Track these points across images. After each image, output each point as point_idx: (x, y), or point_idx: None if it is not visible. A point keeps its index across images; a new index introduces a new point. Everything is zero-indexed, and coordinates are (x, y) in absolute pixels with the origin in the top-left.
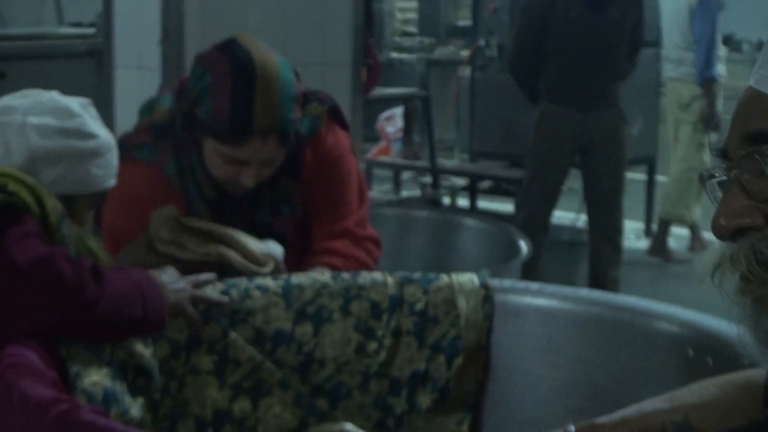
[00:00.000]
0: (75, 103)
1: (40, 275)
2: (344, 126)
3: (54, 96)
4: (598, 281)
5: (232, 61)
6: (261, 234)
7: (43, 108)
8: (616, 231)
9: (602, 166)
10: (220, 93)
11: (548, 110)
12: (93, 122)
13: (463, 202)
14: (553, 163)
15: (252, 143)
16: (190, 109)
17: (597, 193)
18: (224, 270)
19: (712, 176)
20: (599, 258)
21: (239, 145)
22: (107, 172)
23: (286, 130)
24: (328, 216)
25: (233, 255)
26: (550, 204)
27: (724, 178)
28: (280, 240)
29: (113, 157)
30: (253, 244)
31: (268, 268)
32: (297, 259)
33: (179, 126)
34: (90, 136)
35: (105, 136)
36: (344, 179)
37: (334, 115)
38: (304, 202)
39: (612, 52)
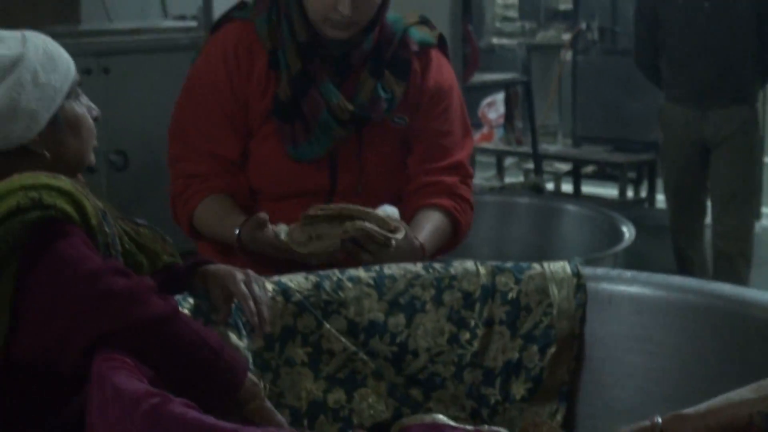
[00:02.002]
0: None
1: (91, 288)
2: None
3: None
4: None
5: None
6: (357, 124)
7: None
8: (742, 240)
9: (724, 168)
10: None
11: (665, 109)
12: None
13: (566, 187)
14: (677, 166)
15: None
16: None
17: (719, 198)
18: (362, 243)
19: None
20: (723, 269)
21: None
22: (56, 75)
23: None
24: (435, 147)
25: (370, 226)
26: (694, 213)
27: None
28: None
29: (22, 75)
30: (379, 212)
31: (400, 234)
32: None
33: None
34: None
35: (22, 48)
36: (452, 111)
37: (443, 48)
38: (407, 129)
39: (730, 42)
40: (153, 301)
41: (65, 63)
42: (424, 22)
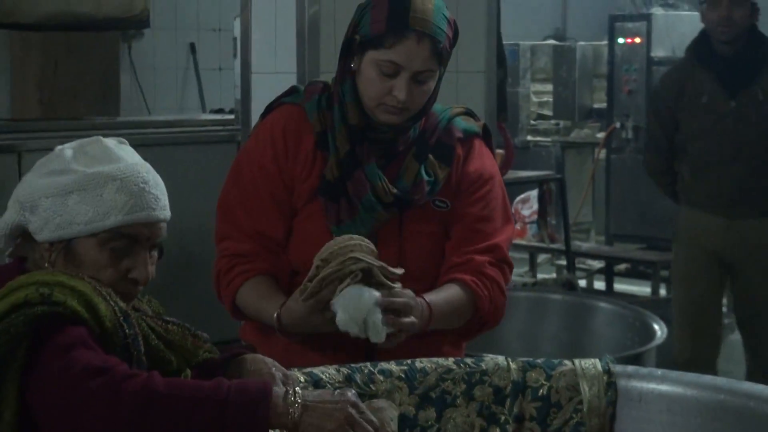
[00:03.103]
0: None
1: (89, 386)
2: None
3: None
4: None
5: None
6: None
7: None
8: None
9: (755, 286)
10: (379, 3)
11: (686, 216)
12: (83, 158)
13: (599, 284)
14: (693, 280)
15: (407, 43)
16: (350, 36)
17: (750, 321)
18: (367, 280)
19: None
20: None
21: (395, 45)
22: (98, 207)
23: (438, 38)
24: (473, 231)
25: (374, 264)
26: (709, 341)
27: None
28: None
29: (105, 191)
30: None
31: (398, 285)
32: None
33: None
34: (69, 171)
35: (91, 170)
36: (493, 199)
37: (487, 138)
38: (448, 213)
39: (761, 145)
40: (128, 387)
41: (105, 204)
42: (469, 113)
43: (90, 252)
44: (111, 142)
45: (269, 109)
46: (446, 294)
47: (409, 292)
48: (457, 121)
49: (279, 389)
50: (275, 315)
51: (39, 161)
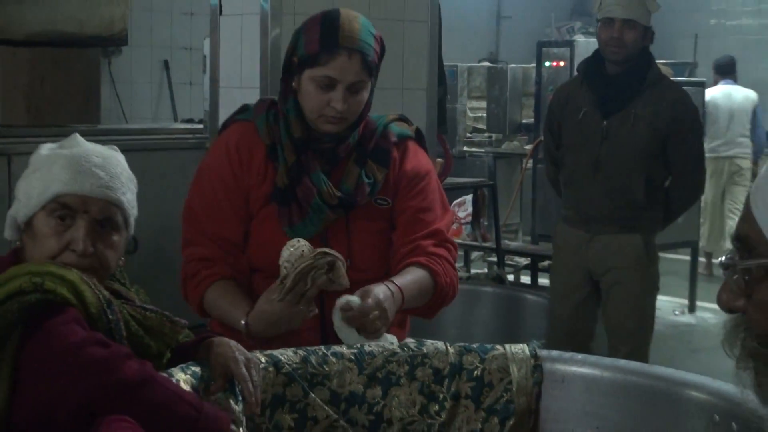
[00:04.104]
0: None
1: (74, 358)
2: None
3: None
4: None
5: (321, 13)
6: (345, 207)
7: None
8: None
9: (613, 304)
10: (311, 27)
11: (559, 229)
12: (52, 147)
13: (525, 278)
14: (565, 292)
15: (339, 59)
16: (289, 58)
17: (614, 333)
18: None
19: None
20: None
21: (329, 62)
22: (46, 181)
23: (367, 53)
24: (415, 221)
25: (338, 257)
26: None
27: (722, 262)
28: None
29: (54, 167)
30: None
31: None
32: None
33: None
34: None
35: (50, 153)
36: (430, 192)
37: (420, 139)
38: (390, 209)
39: (624, 165)
40: (128, 366)
41: (49, 179)
42: (403, 119)
43: (40, 224)
44: (87, 141)
45: (224, 126)
46: (411, 276)
47: (376, 292)
48: (392, 126)
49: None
50: (243, 322)
51: None
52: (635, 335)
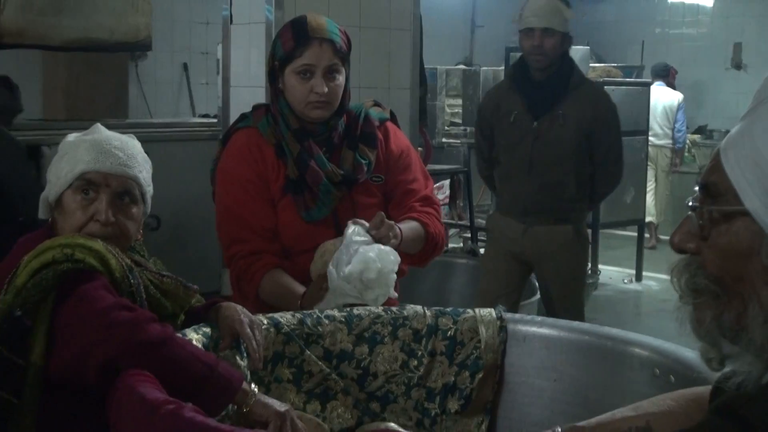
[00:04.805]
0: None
1: (102, 320)
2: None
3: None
4: None
5: (290, 20)
6: (347, 185)
7: None
8: None
9: (549, 285)
10: (285, 32)
11: (494, 218)
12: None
13: None
14: (497, 276)
15: (313, 48)
16: (271, 65)
17: (548, 313)
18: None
19: (689, 201)
20: None
21: (304, 52)
22: (72, 163)
23: (335, 41)
24: (405, 192)
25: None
26: None
27: (690, 204)
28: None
29: (79, 150)
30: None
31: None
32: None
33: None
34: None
35: (75, 139)
36: (413, 165)
37: (395, 120)
38: (384, 185)
39: (554, 163)
40: (151, 328)
41: (74, 161)
42: (377, 104)
43: (68, 200)
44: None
45: (228, 135)
46: (406, 224)
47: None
48: (371, 112)
49: (246, 384)
50: (299, 304)
51: None
52: (569, 311)
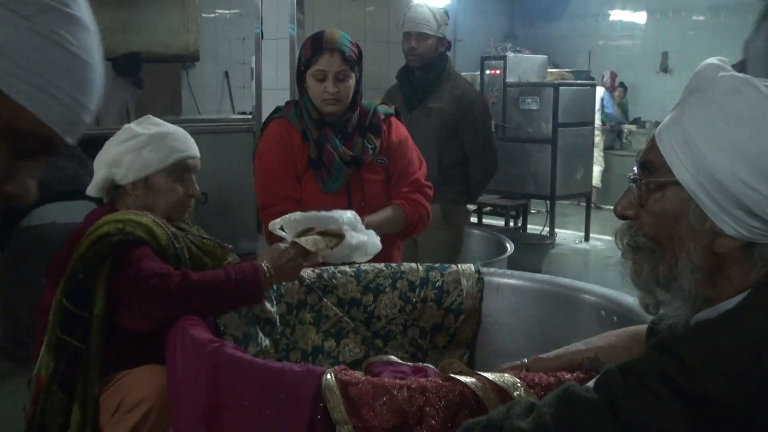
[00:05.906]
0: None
1: (140, 284)
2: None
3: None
4: None
5: (313, 34)
6: (356, 164)
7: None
8: None
9: (427, 254)
10: (306, 43)
11: None
12: (143, 127)
13: (473, 219)
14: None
15: (325, 56)
16: (298, 69)
17: None
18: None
19: (630, 176)
20: None
21: (319, 60)
22: (164, 151)
23: (344, 51)
24: (402, 174)
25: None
26: None
27: (631, 178)
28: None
29: (166, 141)
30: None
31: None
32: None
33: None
34: (138, 135)
35: (153, 131)
36: (409, 152)
37: (398, 115)
38: (386, 166)
39: (424, 149)
40: (174, 285)
41: (167, 149)
42: (384, 102)
43: (161, 182)
44: (155, 119)
45: (266, 124)
46: (383, 213)
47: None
48: (379, 108)
49: (260, 266)
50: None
51: (113, 137)
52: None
